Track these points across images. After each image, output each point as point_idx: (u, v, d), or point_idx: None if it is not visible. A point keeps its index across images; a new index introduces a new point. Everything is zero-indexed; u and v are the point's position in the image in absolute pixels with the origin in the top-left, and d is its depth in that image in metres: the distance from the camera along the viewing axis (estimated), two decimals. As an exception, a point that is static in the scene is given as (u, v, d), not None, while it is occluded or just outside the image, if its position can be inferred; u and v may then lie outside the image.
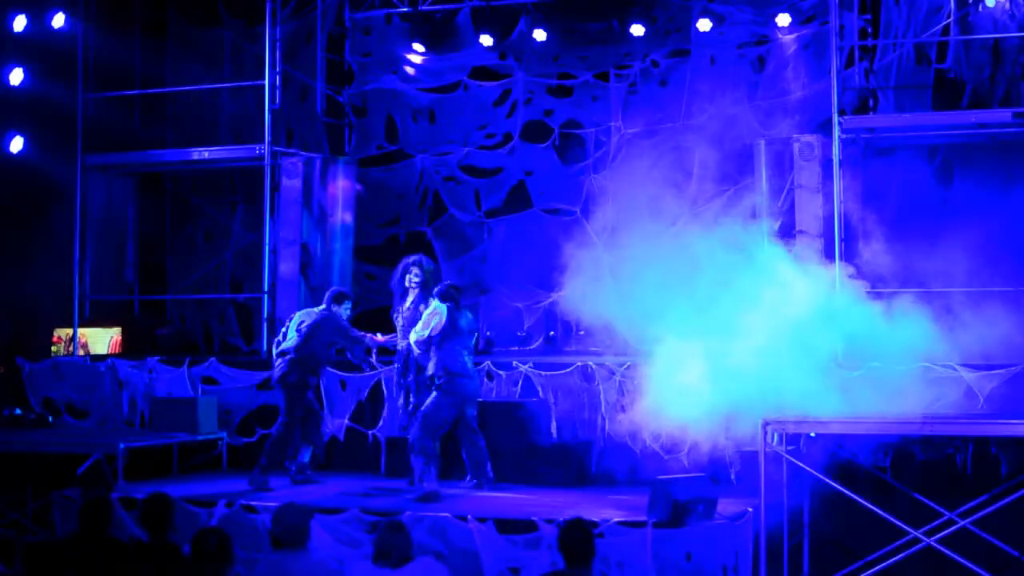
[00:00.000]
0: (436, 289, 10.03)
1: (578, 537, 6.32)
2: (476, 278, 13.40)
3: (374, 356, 10.76)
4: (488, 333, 12.84)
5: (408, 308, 10.23)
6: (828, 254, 10.93)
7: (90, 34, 13.41)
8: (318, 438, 10.67)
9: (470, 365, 10.08)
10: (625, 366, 10.60)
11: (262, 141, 12.75)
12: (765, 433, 8.78)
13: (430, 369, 9.91)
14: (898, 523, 8.69)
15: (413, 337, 9.92)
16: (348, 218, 13.19)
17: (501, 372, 11.12)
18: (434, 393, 9.85)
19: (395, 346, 10.42)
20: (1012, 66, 11.40)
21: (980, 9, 11.40)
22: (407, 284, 10.26)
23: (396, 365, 10.54)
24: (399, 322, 10.34)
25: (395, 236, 13.99)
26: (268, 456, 10.31)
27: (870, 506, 8.75)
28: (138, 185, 14.27)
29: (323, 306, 10.54)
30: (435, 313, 9.79)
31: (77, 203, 13.32)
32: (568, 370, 10.89)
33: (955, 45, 11.50)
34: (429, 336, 9.80)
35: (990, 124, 11.07)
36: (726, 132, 12.24)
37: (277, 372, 10.46)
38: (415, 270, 10.25)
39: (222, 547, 6.38)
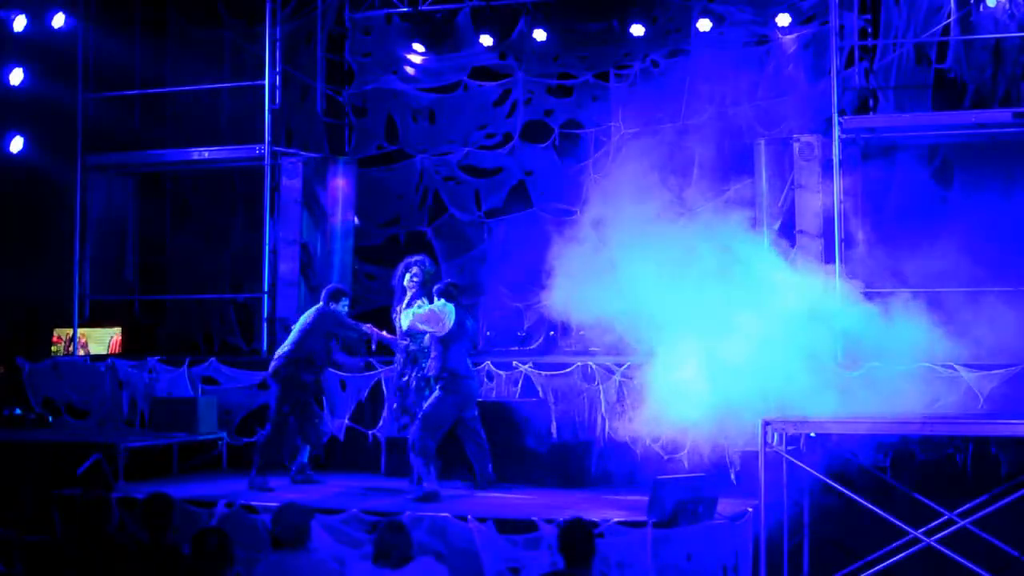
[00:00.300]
0: (436, 288, 10.03)
1: (578, 537, 6.32)
2: (476, 278, 13.40)
3: (374, 344, 10.73)
4: (488, 333, 12.85)
5: (404, 308, 10.23)
6: (828, 254, 10.94)
7: (90, 34, 13.42)
8: (317, 438, 10.66)
9: (471, 365, 10.10)
10: (625, 366, 10.60)
11: (262, 141, 12.77)
12: (765, 433, 8.78)
13: (431, 369, 9.91)
14: (898, 523, 8.69)
15: (406, 321, 9.88)
16: (349, 218, 13.20)
17: (501, 372, 11.11)
18: (436, 392, 9.85)
19: (397, 345, 10.41)
20: (1012, 66, 11.40)
21: (981, 9, 11.40)
22: (406, 283, 10.26)
23: (397, 366, 10.52)
24: (397, 321, 10.35)
25: (395, 236, 14.00)
26: (262, 456, 10.28)
27: (870, 506, 8.74)
28: (138, 185, 14.27)
29: (320, 304, 10.56)
30: (443, 313, 9.78)
31: (77, 203, 13.34)
32: (568, 370, 10.89)
33: (955, 45, 11.50)
34: (432, 334, 9.82)
35: (990, 124, 11.07)
36: (726, 132, 12.25)
37: (271, 368, 10.49)
38: (415, 269, 10.26)
39: (222, 547, 6.37)
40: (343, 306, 10.54)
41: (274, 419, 10.40)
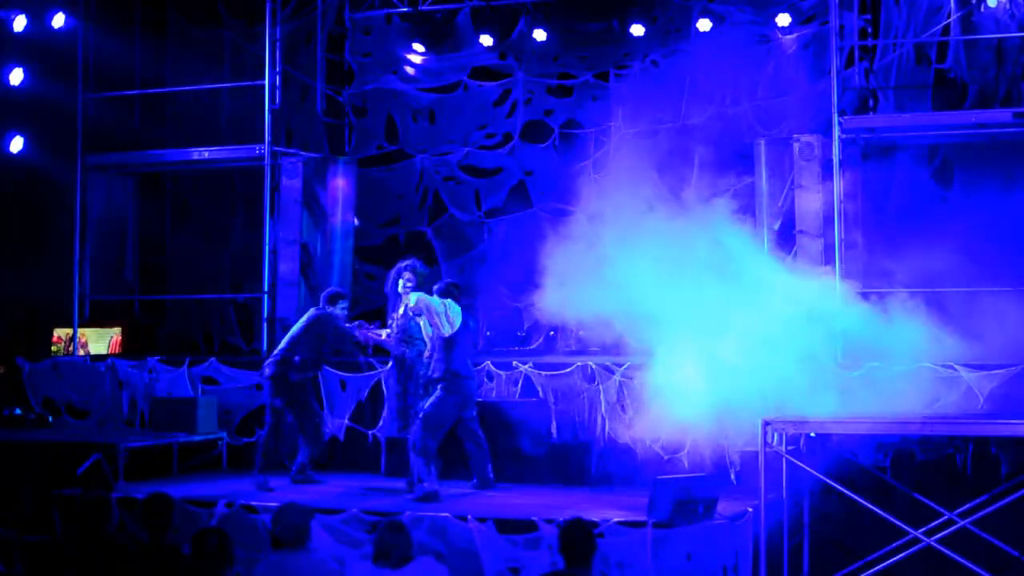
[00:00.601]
0: (436, 287, 10.00)
1: (578, 537, 6.32)
2: (476, 278, 13.39)
3: (370, 349, 10.67)
4: (488, 333, 12.84)
5: (401, 315, 10.10)
6: (828, 254, 10.94)
7: (90, 34, 13.42)
8: (318, 438, 10.65)
9: (471, 366, 10.08)
10: (625, 366, 10.60)
11: (262, 141, 12.76)
12: (765, 433, 8.78)
13: (435, 370, 9.86)
14: (898, 523, 8.69)
15: (414, 298, 9.80)
16: (349, 218, 13.19)
17: (501, 372, 11.11)
18: (438, 392, 9.82)
19: (391, 347, 10.36)
20: (1013, 66, 11.40)
21: (982, 10, 11.40)
22: (400, 290, 10.07)
23: (393, 373, 10.45)
24: (393, 328, 10.24)
25: (395, 236, 14.00)
26: (262, 456, 10.31)
27: (870, 506, 8.75)
28: (138, 185, 14.26)
29: (318, 306, 10.57)
30: (453, 314, 9.77)
31: (77, 203, 13.33)
32: (568, 370, 10.89)
33: (955, 45, 11.50)
34: (437, 334, 9.80)
35: (990, 124, 11.07)
36: (726, 132, 12.25)
37: (262, 367, 10.53)
38: (407, 275, 10.04)
39: (222, 547, 6.37)
40: (340, 308, 10.52)
41: (268, 418, 10.41)
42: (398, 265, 10.27)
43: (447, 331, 9.75)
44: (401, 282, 10.06)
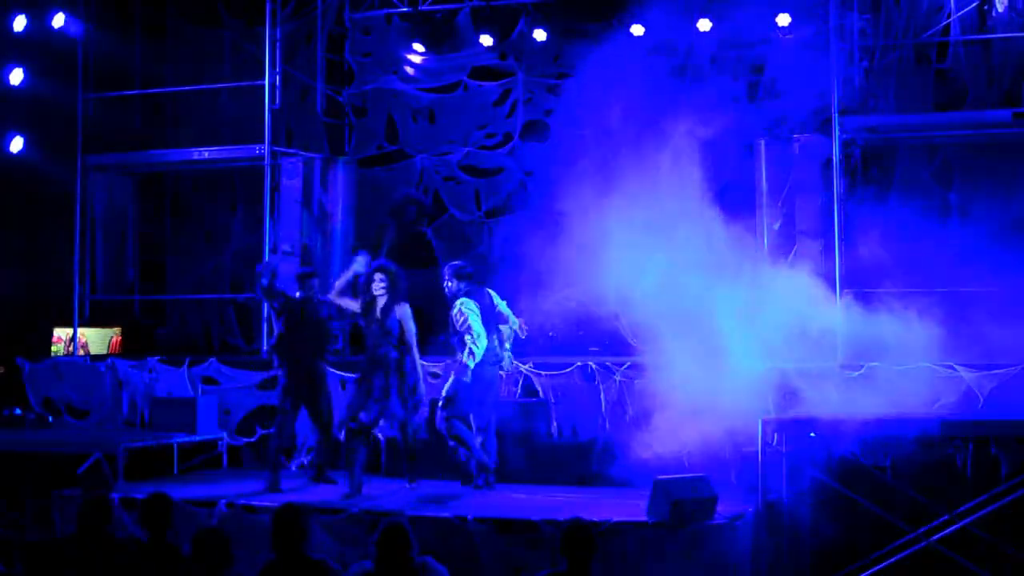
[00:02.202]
0: (449, 271, 10.00)
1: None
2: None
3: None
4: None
5: (381, 312, 9.76)
6: (828, 254, 10.93)
7: (90, 34, 13.42)
8: (319, 437, 10.64)
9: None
10: (625, 366, 10.60)
11: (262, 141, 12.77)
12: (765, 432, 8.78)
13: (470, 356, 9.88)
14: (898, 523, 8.69)
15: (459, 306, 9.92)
16: (349, 218, 13.19)
17: (501, 372, 11.10)
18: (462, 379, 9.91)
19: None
20: (1013, 67, 11.40)
21: (993, 14, 11.40)
22: (375, 291, 9.76)
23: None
24: (381, 329, 9.76)
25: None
26: (269, 456, 10.31)
27: (870, 506, 8.75)
28: (138, 185, 14.28)
29: None
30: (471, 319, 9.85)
31: (77, 203, 13.34)
32: (568, 370, 10.89)
33: (955, 45, 11.50)
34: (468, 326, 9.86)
35: (990, 124, 11.08)
36: (726, 132, 12.24)
37: None
38: (378, 275, 9.79)
39: (222, 547, 6.37)
40: (307, 287, 10.32)
41: (278, 418, 10.42)
42: (368, 269, 10.12)
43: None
44: (374, 284, 9.81)
